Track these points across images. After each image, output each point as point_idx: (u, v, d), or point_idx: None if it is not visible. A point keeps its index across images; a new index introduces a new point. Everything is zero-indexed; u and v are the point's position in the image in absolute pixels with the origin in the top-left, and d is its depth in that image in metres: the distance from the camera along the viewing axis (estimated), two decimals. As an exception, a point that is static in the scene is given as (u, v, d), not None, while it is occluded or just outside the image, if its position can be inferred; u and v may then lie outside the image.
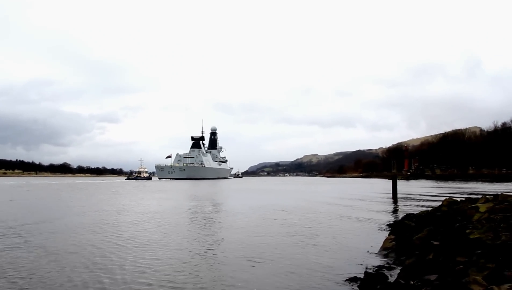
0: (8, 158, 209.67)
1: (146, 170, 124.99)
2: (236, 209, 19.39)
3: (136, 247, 8.94)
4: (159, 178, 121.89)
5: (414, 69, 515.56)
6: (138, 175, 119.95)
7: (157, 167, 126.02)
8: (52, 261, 7.47)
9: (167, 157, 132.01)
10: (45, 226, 12.39)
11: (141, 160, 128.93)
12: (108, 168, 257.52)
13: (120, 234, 10.79)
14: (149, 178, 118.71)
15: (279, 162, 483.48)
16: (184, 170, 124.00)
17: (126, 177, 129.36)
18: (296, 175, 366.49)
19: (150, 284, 5.98)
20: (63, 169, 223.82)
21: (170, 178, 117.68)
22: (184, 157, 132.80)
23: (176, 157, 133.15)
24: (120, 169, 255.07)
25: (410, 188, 42.36)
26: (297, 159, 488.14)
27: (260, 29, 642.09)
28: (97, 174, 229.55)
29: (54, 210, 18.38)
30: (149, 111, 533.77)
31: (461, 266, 4.91)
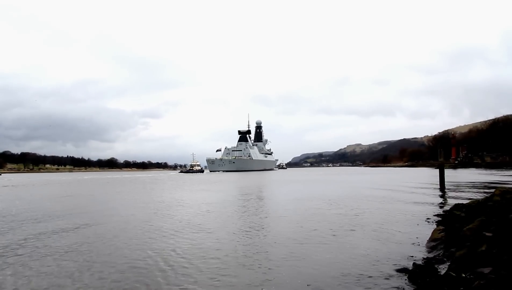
0: (59, 155, 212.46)
1: (198, 163, 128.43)
2: (284, 199, 19.33)
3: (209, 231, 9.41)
4: (210, 171, 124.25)
5: (452, 55, 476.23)
6: (191, 168, 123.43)
7: (208, 160, 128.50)
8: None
9: (217, 151, 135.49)
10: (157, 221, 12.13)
11: (193, 154, 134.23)
12: (153, 162, 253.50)
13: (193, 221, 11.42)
14: (201, 171, 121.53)
15: (322, 153, 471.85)
16: (233, 162, 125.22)
17: (179, 171, 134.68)
18: (340, 166, 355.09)
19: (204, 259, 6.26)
20: (111, 164, 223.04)
21: (221, 171, 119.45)
22: (232, 150, 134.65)
23: (224, 150, 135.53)
24: (165, 163, 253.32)
25: (458, 177, 39.41)
26: (340, 149, 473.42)
27: (296, 20, 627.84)
28: (142, 168, 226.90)
29: (157, 202, 18.25)
30: (189, 106, 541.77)
31: (518, 260, 4.52)
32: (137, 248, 7.87)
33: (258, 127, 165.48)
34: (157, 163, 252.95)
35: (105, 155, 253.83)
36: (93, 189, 32.12)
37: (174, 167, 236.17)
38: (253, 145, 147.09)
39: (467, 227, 7.33)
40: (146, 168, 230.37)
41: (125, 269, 6.29)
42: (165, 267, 6.39)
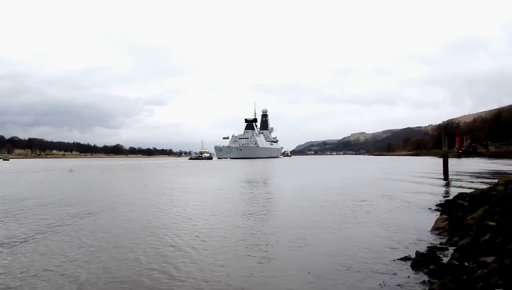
0: (65, 141, 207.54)
1: (207, 150, 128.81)
2: (290, 187, 19.32)
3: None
4: (218, 158, 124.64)
5: (453, 45, 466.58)
6: (200, 155, 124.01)
7: (216, 147, 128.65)
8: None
9: (225, 138, 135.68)
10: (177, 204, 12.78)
11: (202, 141, 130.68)
12: (158, 149, 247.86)
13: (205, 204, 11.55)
14: (210, 158, 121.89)
15: (326, 141, 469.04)
16: (240, 150, 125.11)
17: (189, 157, 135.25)
18: (344, 154, 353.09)
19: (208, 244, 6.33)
20: (116, 150, 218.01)
21: (229, 158, 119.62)
22: (239, 138, 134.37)
23: (232, 138, 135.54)
24: (170, 150, 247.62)
25: (462, 166, 38.88)
26: (344, 138, 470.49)
27: (299, 11, 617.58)
28: (148, 155, 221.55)
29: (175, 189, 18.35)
30: (193, 93, 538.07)
31: (521, 249, 4.40)
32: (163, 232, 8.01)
33: (264, 116, 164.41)
34: (162, 149, 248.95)
35: (110, 142, 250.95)
36: (122, 176, 32.38)
37: (179, 154, 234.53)
38: (259, 133, 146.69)
39: (471, 216, 7.21)
40: (151, 155, 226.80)
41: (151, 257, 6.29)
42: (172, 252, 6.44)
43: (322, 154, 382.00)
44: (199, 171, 37.06)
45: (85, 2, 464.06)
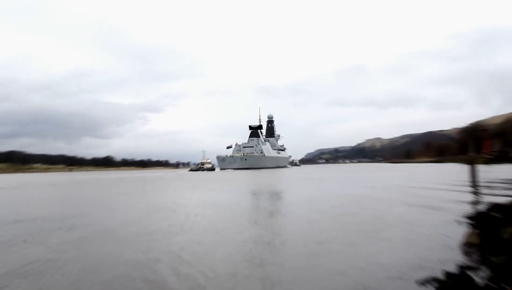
0: (50, 152, 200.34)
1: (209, 161, 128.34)
2: (301, 199, 19.15)
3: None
4: (221, 169, 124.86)
5: (474, 39, 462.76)
6: (201, 166, 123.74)
7: (218, 158, 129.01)
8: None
9: (228, 147, 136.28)
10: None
11: (203, 151, 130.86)
12: (153, 159, 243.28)
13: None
14: (212, 169, 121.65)
15: (338, 148, 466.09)
16: (245, 159, 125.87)
17: (189, 169, 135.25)
18: (358, 162, 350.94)
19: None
20: (107, 163, 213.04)
21: (232, 168, 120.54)
22: (243, 147, 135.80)
23: (235, 147, 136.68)
24: (166, 161, 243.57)
25: (493, 173, 38.07)
26: (359, 144, 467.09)
27: (305, 5, 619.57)
28: (142, 167, 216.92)
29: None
30: (191, 98, 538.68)
31: None
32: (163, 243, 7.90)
33: (270, 122, 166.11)
34: (158, 161, 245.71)
35: (100, 153, 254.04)
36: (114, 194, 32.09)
37: (176, 165, 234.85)
38: (265, 141, 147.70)
39: (507, 230, 6.94)
40: (145, 167, 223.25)
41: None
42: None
43: (334, 162, 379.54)
44: (201, 184, 36.96)
45: (73, 0, 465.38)
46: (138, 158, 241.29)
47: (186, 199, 20.59)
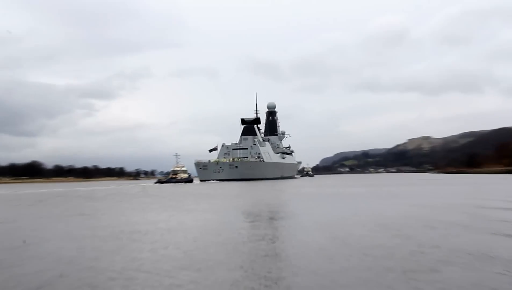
0: None
1: (184, 168, 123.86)
2: (315, 224, 18.78)
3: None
4: (202, 180, 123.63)
5: None
6: (173, 176, 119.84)
7: (197, 164, 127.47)
8: None
9: (212, 150, 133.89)
10: None
11: (176, 155, 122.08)
12: (101, 167, 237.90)
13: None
14: (189, 180, 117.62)
15: (367, 151, 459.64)
16: (236, 167, 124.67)
17: (156, 181, 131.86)
18: (397, 171, 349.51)
19: None
20: (32, 171, 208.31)
21: (217, 180, 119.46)
22: (233, 149, 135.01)
23: (222, 149, 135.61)
24: (121, 169, 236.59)
25: None
26: (398, 146, 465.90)
27: None
28: (85, 178, 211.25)
29: None
30: (156, 79, 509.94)
31: None
32: None
33: (271, 113, 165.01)
34: (109, 169, 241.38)
35: (21, 157, 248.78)
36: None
37: (136, 175, 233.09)
38: (264, 140, 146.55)
39: None
40: (90, 177, 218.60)
41: None
42: None
43: (362, 171, 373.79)
44: (172, 202, 36.12)
45: None
46: (79, 164, 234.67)
47: (149, 225, 19.58)
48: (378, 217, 20.44)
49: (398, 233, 14.99)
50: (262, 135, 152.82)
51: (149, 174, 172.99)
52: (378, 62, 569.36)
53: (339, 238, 14.16)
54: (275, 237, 15.18)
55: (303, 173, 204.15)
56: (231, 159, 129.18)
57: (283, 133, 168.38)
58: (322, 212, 24.88)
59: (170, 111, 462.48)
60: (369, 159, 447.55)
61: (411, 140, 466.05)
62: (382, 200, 33.26)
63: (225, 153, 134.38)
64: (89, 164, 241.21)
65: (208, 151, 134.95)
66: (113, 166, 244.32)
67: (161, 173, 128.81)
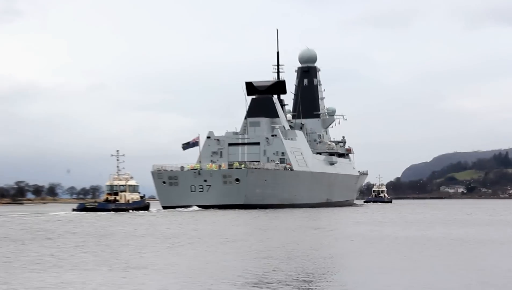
0: None
1: (132, 182, 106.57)
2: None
3: None
4: (164, 207, 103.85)
5: None
6: (110, 198, 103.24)
7: (157, 174, 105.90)
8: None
9: (185, 146, 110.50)
10: None
11: (117, 154, 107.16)
12: None
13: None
14: (143, 207, 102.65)
15: (505, 151, 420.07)
16: (236, 180, 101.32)
17: (74, 207, 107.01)
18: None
19: None
20: None
21: (198, 206, 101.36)
22: (230, 145, 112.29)
23: (207, 143, 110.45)
24: (21, 187, 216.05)
25: None
26: None
27: None
28: None
29: None
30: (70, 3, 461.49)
31: None
32: None
33: (307, 72, 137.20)
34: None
35: None
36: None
37: (16, 195, 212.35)
38: (292, 127, 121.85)
39: None
40: None
41: None
42: None
43: (493, 194, 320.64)
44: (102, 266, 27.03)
45: None
46: None
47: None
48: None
49: None
50: (290, 116, 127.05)
51: (46, 193, 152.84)
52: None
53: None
54: None
55: (376, 196, 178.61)
56: (225, 165, 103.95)
57: (332, 114, 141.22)
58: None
59: (93, 62, 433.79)
60: (510, 170, 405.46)
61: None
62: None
63: (214, 153, 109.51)
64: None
65: (181, 147, 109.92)
66: (10, 181, 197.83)
67: (72, 191, 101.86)
